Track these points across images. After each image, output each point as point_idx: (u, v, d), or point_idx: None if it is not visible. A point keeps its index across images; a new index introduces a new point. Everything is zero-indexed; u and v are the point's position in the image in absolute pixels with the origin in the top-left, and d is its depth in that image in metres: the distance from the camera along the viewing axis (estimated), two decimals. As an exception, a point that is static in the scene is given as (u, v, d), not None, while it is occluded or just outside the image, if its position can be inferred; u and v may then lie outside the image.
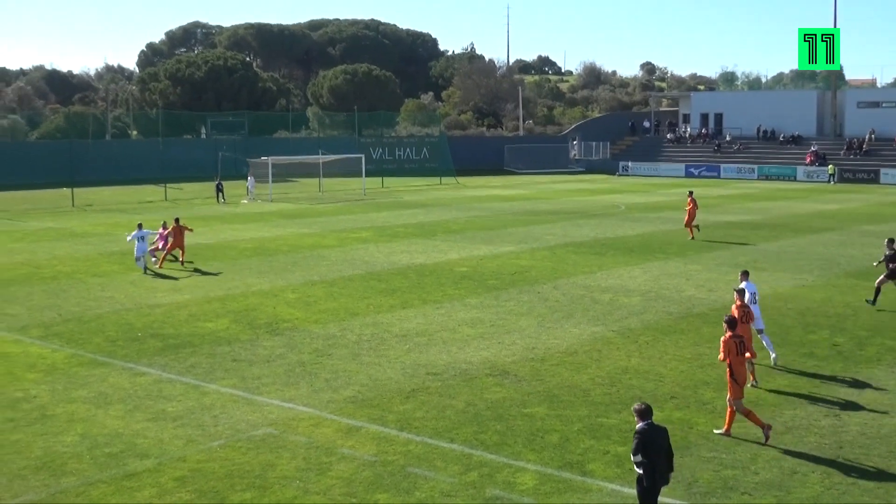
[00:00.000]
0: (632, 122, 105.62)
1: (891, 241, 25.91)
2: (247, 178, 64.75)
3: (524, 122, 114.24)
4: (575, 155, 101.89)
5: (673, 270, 32.21)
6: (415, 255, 35.65)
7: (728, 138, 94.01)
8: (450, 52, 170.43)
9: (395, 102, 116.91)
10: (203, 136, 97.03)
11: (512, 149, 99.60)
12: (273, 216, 51.41)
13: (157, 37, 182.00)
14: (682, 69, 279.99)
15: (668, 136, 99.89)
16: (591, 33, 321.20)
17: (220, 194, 61.40)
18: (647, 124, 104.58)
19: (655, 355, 20.73)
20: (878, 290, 25.74)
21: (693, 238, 39.89)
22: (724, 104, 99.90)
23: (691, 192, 42.01)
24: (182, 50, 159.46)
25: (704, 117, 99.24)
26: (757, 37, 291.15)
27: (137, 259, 32.00)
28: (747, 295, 19.07)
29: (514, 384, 18.44)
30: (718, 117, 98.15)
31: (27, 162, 75.82)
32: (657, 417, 16.16)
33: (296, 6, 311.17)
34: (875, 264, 28.32)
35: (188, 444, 15.22)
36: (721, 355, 15.60)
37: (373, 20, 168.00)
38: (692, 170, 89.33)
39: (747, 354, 16.17)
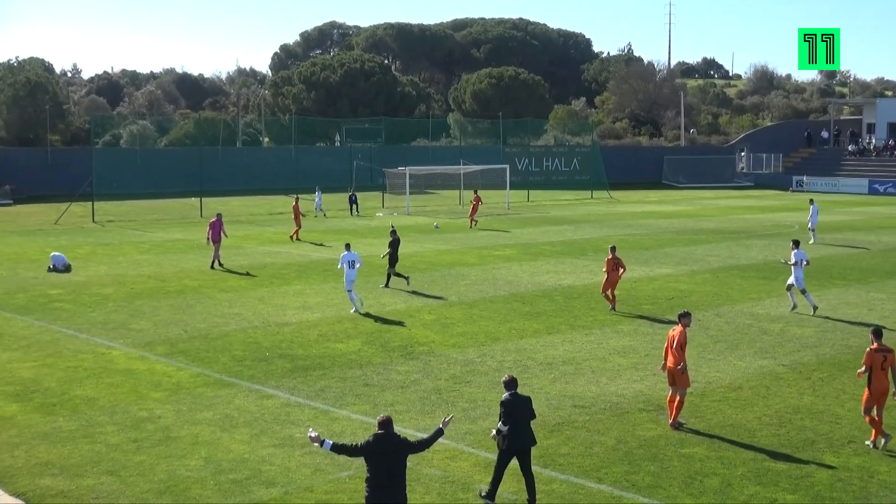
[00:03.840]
0: (808, 132, 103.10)
1: (393, 231, 34.08)
2: (315, 192, 63.45)
3: (686, 130, 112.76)
4: (742, 168, 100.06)
5: (853, 299, 31.27)
6: (562, 276, 35.54)
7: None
8: (605, 54, 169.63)
9: (543, 109, 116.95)
10: (337, 143, 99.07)
11: (672, 160, 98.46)
12: (409, 231, 51.99)
13: (292, 38, 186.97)
14: (867, 73, 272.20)
15: (850, 147, 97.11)
16: (762, 32, 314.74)
17: (354, 206, 62.45)
18: (825, 134, 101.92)
19: (831, 394, 20.15)
20: (388, 276, 33.27)
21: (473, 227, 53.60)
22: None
23: (476, 190, 57.83)
24: (317, 52, 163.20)
25: (892, 127, 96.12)
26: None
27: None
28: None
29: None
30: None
31: (156, 169, 78.88)
32: (834, 462, 15.77)
33: (438, 5, 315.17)
34: (382, 256, 33.87)
35: (316, 474, 15.53)
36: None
37: (521, 19, 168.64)
38: (877, 186, 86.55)
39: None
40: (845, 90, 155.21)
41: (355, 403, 19.27)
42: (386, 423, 12.33)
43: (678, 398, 17.86)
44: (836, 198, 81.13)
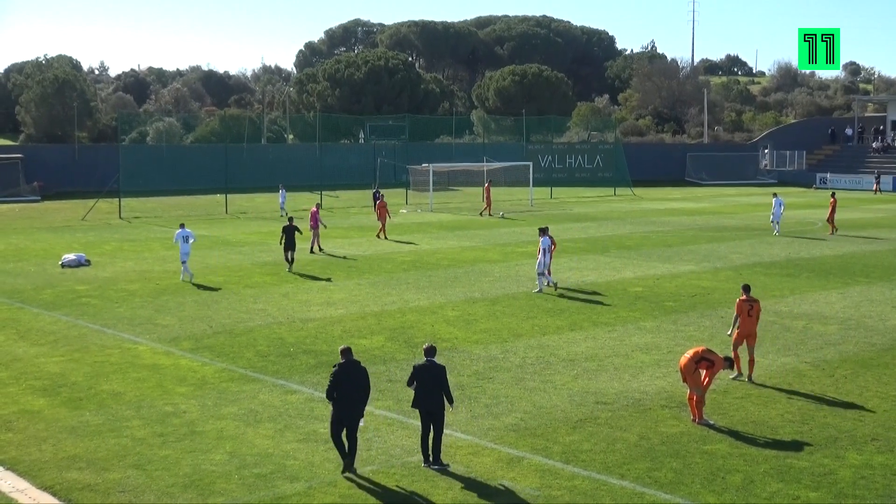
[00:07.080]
0: (832, 130, 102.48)
1: (291, 218, 37.26)
2: (278, 191, 62.25)
3: (709, 128, 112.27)
4: (766, 165, 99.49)
5: (877, 296, 31.07)
6: (585, 273, 35.49)
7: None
8: (628, 52, 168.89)
9: (566, 106, 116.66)
10: (361, 140, 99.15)
11: (695, 157, 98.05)
12: (433, 227, 52.06)
13: (317, 36, 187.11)
14: (891, 69, 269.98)
15: (874, 144, 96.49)
16: (785, 30, 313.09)
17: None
18: (849, 132, 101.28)
19: (854, 391, 20.04)
20: (288, 260, 35.94)
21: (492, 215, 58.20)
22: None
23: (490, 181, 63.23)
24: (342, 49, 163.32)
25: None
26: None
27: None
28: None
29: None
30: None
31: (181, 166, 79.08)
32: (857, 460, 15.70)
33: (462, 3, 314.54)
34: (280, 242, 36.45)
35: (339, 468, 15.55)
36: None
37: (544, 17, 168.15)
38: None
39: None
40: (869, 87, 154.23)
41: (379, 399, 19.27)
42: (346, 352, 15.55)
43: (696, 396, 17.81)
44: (858, 195, 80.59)
